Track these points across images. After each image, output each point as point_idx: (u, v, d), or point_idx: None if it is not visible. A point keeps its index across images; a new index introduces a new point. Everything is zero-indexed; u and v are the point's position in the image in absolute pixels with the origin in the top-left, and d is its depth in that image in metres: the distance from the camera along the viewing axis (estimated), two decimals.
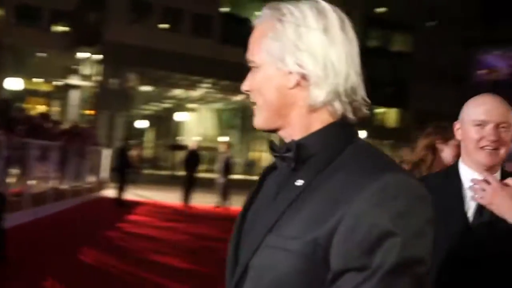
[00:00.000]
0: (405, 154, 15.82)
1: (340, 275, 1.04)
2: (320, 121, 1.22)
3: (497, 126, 2.05)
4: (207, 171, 28.74)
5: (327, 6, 1.22)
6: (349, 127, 1.23)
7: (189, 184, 16.02)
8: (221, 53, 31.72)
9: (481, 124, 2.05)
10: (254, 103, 1.27)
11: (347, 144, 1.19)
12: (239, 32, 39.29)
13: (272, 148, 1.27)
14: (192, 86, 34.03)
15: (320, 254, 1.07)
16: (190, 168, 16.24)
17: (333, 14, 1.21)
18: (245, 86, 1.28)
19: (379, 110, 46.23)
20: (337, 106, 1.20)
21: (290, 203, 1.15)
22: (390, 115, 47.15)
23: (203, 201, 16.75)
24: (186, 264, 8.31)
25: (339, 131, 1.21)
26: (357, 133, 1.23)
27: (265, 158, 39.13)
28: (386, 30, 45.51)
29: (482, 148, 2.05)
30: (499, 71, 19.97)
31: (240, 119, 39.04)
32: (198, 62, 31.15)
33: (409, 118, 45.83)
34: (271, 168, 1.33)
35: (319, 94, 1.20)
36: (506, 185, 1.96)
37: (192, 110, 38.69)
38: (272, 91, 1.23)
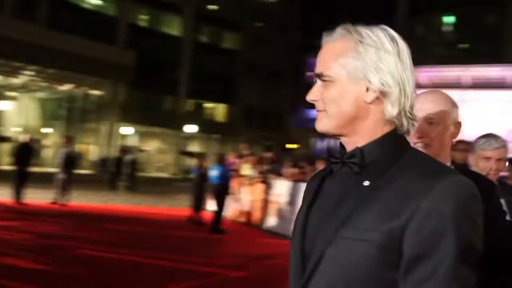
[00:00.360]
0: (243, 148, 16.45)
1: (414, 261, 1.24)
2: (383, 131, 1.43)
3: (425, 122, 2.06)
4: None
5: (395, 34, 1.43)
6: (404, 137, 1.45)
7: (21, 179, 15.02)
8: (47, 39, 29.96)
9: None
10: (320, 111, 1.46)
11: (404, 151, 1.41)
12: (67, 17, 37.53)
13: (331, 155, 1.48)
14: (13, 72, 31.65)
15: (393, 243, 1.25)
16: (22, 162, 15.22)
17: (401, 42, 1.42)
18: (312, 96, 1.47)
19: (209, 105, 47.15)
20: (404, 121, 1.43)
21: (361, 201, 1.32)
22: (219, 110, 48.29)
23: (37, 197, 15.82)
24: (29, 264, 7.86)
25: (397, 140, 1.43)
26: (409, 143, 1.45)
27: (92, 150, 37.81)
28: (217, 27, 46.51)
29: (415, 145, 2.04)
30: None
31: (65, 110, 37.21)
32: (20, 47, 29.07)
33: (237, 113, 47.41)
34: (324, 174, 1.53)
35: (393, 110, 1.41)
36: None
37: (12, 98, 36.02)
38: (349, 103, 1.42)
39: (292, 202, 12.57)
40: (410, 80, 1.41)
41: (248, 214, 14.40)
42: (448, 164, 2.08)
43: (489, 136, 3.29)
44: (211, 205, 15.69)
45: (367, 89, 1.41)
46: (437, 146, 2.08)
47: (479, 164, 3.18)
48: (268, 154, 16.21)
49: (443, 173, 1.29)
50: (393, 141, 1.43)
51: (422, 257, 1.23)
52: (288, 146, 46.15)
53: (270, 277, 8.15)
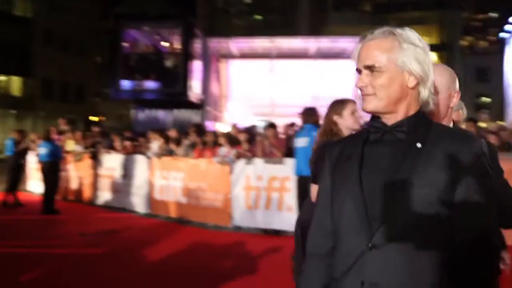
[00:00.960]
0: (61, 123, 15.69)
1: (466, 202, 1.74)
2: (416, 108, 1.90)
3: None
4: None
5: (417, 34, 1.90)
6: (428, 113, 1.94)
7: None
8: None
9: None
10: (369, 94, 1.87)
11: (431, 122, 1.90)
12: None
13: (374, 126, 1.90)
14: None
15: (449, 188, 1.73)
16: None
17: (422, 40, 1.90)
18: (362, 83, 1.87)
19: (1, 78, 43.44)
20: (430, 100, 1.91)
21: (419, 158, 1.77)
22: (13, 83, 44.77)
23: None
24: None
25: (425, 115, 1.91)
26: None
27: None
28: None
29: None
30: (144, 46, 21.38)
31: None
32: None
33: (34, 87, 44.44)
34: (357, 142, 1.92)
35: (425, 92, 1.90)
36: None
37: None
38: (396, 88, 1.86)
39: (126, 175, 12.50)
40: (431, 69, 1.89)
41: (78, 191, 13.95)
42: (451, 125, 2.43)
43: None
44: (36, 185, 14.85)
45: (409, 77, 1.85)
46: (443, 112, 2.37)
47: None
48: (96, 129, 15.74)
49: (471, 136, 1.82)
50: (424, 115, 1.90)
51: (469, 201, 1.74)
52: (92, 118, 44.66)
53: (123, 250, 8.19)
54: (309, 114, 7.48)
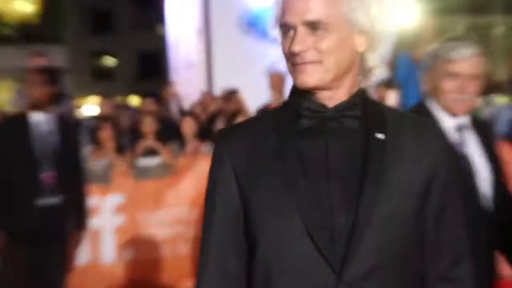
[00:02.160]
0: None
1: (442, 210, 1.41)
2: (358, 83, 1.41)
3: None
4: None
5: None
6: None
7: None
8: None
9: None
10: (312, 62, 1.34)
11: (376, 102, 1.46)
12: None
13: (309, 108, 1.37)
14: None
15: (424, 192, 1.37)
16: None
17: None
18: (303, 45, 1.33)
19: None
20: (378, 72, 1.43)
21: (384, 155, 1.35)
22: None
23: None
24: None
25: (366, 91, 1.44)
26: None
27: None
28: None
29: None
30: None
31: None
32: None
33: None
34: (285, 132, 1.38)
35: (374, 60, 1.41)
36: None
37: None
38: (348, 53, 1.36)
39: None
40: (386, 31, 1.41)
41: None
42: None
43: (457, 40, 2.52)
44: None
45: (359, 38, 1.37)
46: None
47: (443, 85, 2.46)
48: None
49: (434, 124, 1.56)
50: (366, 92, 1.43)
51: (448, 205, 1.41)
52: None
53: None
54: None
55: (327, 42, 1.33)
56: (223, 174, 1.42)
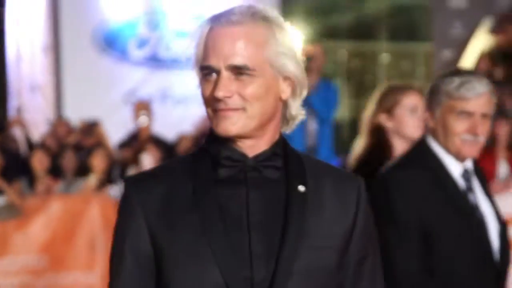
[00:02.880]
0: None
1: (363, 259, 1.63)
2: (278, 131, 1.61)
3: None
4: None
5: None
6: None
7: None
8: None
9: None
10: (235, 109, 1.50)
11: (295, 151, 1.65)
12: None
13: (225, 158, 1.54)
14: None
15: (345, 246, 1.58)
16: None
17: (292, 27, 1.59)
18: (226, 91, 1.49)
19: None
20: (298, 119, 1.64)
21: (305, 208, 1.54)
22: None
23: None
24: None
25: (285, 139, 1.64)
26: None
27: None
28: None
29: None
30: None
31: None
32: None
33: None
34: (200, 182, 1.55)
35: (295, 107, 1.60)
36: None
37: None
38: (272, 100, 1.54)
39: None
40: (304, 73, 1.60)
41: None
42: None
43: (466, 75, 2.56)
44: None
45: (284, 84, 1.55)
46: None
47: (452, 125, 2.51)
48: None
49: (352, 175, 1.73)
50: (286, 141, 1.63)
51: (367, 256, 1.65)
52: None
53: None
54: None
55: (252, 88, 1.49)
56: (133, 223, 1.55)
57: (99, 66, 10.97)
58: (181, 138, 7.32)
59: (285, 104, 1.59)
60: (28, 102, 10.89)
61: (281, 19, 1.57)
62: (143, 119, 7.52)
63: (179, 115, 10.95)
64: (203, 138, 6.89)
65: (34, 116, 9.75)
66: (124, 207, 1.59)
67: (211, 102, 1.53)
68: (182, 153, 6.84)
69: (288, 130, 1.65)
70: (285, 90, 1.56)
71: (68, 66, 10.86)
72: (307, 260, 1.52)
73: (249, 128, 1.52)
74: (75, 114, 9.34)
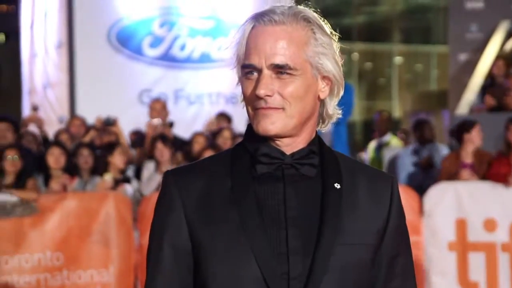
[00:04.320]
0: None
1: (394, 258, 1.66)
2: (315, 130, 1.65)
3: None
4: None
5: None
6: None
7: None
8: None
9: None
10: (275, 108, 1.54)
11: (332, 149, 1.69)
12: None
13: (267, 154, 1.58)
14: None
15: (378, 243, 1.62)
16: None
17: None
18: (268, 90, 1.53)
19: None
20: (334, 118, 1.69)
21: (341, 205, 1.58)
22: None
23: None
24: None
25: (321, 138, 1.68)
26: None
27: None
28: None
29: None
30: None
31: None
32: None
33: None
34: (248, 176, 1.59)
35: (332, 105, 1.65)
36: None
37: None
38: (310, 100, 1.58)
39: None
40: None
41: None
42: None
43: None
44: None
45: (322, 84, 1.59)
46: None
47: None
48: None
49: (386, 174, 1.76)
50: (322, 139, 1.67)
51: (399, 254, 1.68)
52: None
53: None
54: None
55: (293, 87, 1.53)
56: (173, 217, 1.59)
57: (113, 64, 11.01)
58: (195, 137, 7.28)
59: (322, 103, 1.63)
60: (42, 100, 10.94)
61: (320, 19, 1.60)
62: (156, 121, 7.51)
63: (193, 114, 10.98)
64: (213, 137, 7.03)
65: (47, 114, 9.80)
66: (164, 201, 1.63)
67: (252, 101, 1.56)
68: (196, 152, 6.82)
69: (324, 128, 1.68)
70: (324, 90, 1.60)
71: (82, 64, 10.89)
72: (342, 257, 1.55)
73: (288, 127, 1.55)
74: (88, 112, 9.36)
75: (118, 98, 10.64)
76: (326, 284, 1.53)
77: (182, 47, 11.19)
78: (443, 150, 7.78)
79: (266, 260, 1.52)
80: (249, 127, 1.63)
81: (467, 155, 6.62)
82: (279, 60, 1.52)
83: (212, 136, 7.39)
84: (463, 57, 11.64)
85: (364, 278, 1.60)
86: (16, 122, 7.49)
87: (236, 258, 1.53)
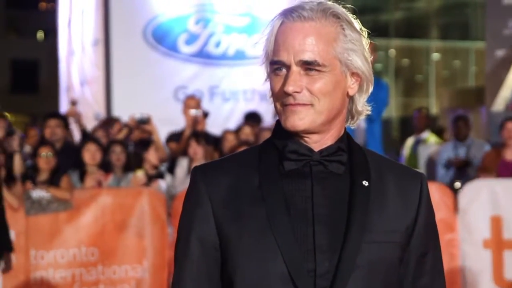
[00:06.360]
0: None
1: (423, 256, 1.66)
2: (343, 126, 1.65)
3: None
4: None
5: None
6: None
7: None
8: None
9: None
10: (304, 104, 1.54)
11: (360, 146, 1.68)
12: None
13: (295, 151, 1.58)
14: None
15: (407, 241, 1.62)
16: None
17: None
18: (297, 86, 1.53)
19: None
20: (363, 115, 1.68)
21: (369, 202, 1.58)
22: None
23: None
24: None
25: (349, 135, 1.67)
26: None
27: None
28: None
29: None
30: None
31: None
32: None
33: None
34: (275, 172, 1.59)
35: (361, 102, 1.65)
36: None
37: None
38: (339, 97, 1.58)
39: None
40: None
41: None
42: None
43: None
44: None
45: (352, 81, 1.60)
46: None
47: None
48: None
49: (415, 171, 1.74)
50: (350, 136, 1.67)
51: (428, 252, 1.68)
52: None
53: None
54: None
55: (321, 84, 1.54)
56: (200, 212, 1.60)
57: (149, 61, 11.04)
58: (225, 134, 7.32)
59: (351, 99, 1.63)
60: (79, 97, 11.06)
61: (350, 15, 1.60)
62: (194, 112, 7.56)
63: (228, 110, 11.00)
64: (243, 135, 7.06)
65: (84, 110, 9.90)
66: (192, 196, 1.64)
67: (280, 97, 1.57)
68: (227, 149, 6.84)
69: (353, 125, 1.69)
70: (353, 86, 1.60)
71: (118, 61, 10.92)
72: (370, 255, 1.55)
73: (317, 123, 1.56)
74: (124, 109, 9.44)
75: (154, 95, 10.70)
76: (353, 282, 1.53)
77: (217, 44, 11.20)
78: (484, 146, 7.73)
79: (293, 257, 1.52)
80: (277, 123, 1.63)
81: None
82: (307, 56, 1.52)
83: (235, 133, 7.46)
84: (500, 53, 11.48)
85: (391, 276, 1.60)
86: (65, 118, 7.62)
87: (263, 255, 1.54)
